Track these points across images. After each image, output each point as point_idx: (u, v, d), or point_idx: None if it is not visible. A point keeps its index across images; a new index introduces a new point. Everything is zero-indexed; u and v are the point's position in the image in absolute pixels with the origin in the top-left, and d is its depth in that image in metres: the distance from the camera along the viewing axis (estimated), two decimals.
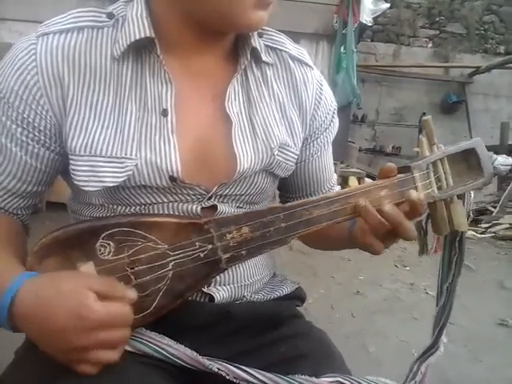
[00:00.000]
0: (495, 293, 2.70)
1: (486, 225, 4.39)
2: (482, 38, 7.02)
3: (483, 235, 4.17)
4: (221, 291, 0.68)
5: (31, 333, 0.54)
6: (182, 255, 0.58)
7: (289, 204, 0.60)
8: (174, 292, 0.58)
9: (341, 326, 2.10)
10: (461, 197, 0.67)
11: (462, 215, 0.66)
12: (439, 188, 0.65)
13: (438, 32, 7.07)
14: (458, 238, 0.69)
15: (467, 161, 0.67)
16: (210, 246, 0.58)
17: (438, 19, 7.05)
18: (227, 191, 0.67)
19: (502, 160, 4.94)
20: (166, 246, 0.57)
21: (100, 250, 0.56)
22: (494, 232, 4.24)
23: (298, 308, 0.79)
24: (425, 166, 0.64)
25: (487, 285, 2.76)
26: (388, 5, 4.82)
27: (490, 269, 3.09)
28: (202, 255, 0.58)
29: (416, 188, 0.63)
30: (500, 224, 4.35)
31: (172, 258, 0.57)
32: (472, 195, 0.69)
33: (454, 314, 0.71)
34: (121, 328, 0.52)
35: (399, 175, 0.64)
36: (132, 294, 0.54)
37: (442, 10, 7.04)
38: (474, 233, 4.11)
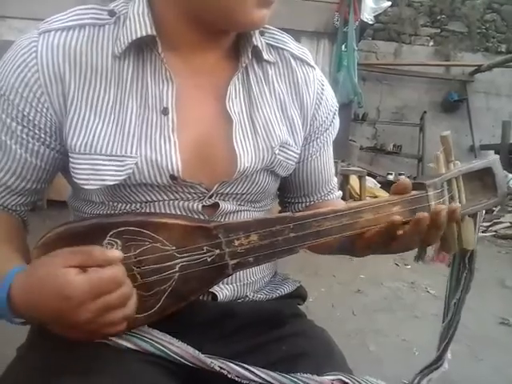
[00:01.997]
0: (497, 292, 2.69)
1: (487, 223, 4.39)
2: (483, 37, 7.00)
3: (484, 234, 4.17)
4: (224, 290, 0.68)
5: (36, 321, 0.55)
6: (188, 258, 0.57)
7: (299, 214, 0.60)
8: (179, 294, 0.58)
9: (342, 324, 2.10)
10: (472, 215, 0.66)
11: (472, 233, 0.65)
12: None
13: (439, 30, 7.06)
14: (467, 255, 0.67)
15: (482, 179, 0.66)
16: (217, 251, 0.58)
17: (439, 18, 7.03)
18: (228, 190, 0.67)
19: None
20: (174, 248, 0.57)
21: (107, 248, 0.56)
22: (495, 231, 4.24)
23: (299, 306, 0.79)
24: (440, 184, 0.63)
25: (489, 284, 2.76)
26: (389, 3, 4.80)
27: (491, 268, 3.08)
28: (208, 259, 0.58)
29: (429, 207, 0.62)
30: (501, 223, 4.35)
31: (179, 261, 0.57)
32: (483, 213, 0.68)
33: (458, 326, 0.70)
34: (114, 290, 0.50)
35: (413, 192, 0.62)
36: (114, 253, 0.52)
37: (444, 9, 7.02)
38: None
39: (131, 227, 0.56)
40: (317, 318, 0.79)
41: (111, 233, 0.56)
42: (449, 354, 0.69)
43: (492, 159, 0.66)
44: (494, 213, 4.58)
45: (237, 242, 0.58)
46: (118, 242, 0.56)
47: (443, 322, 0.71)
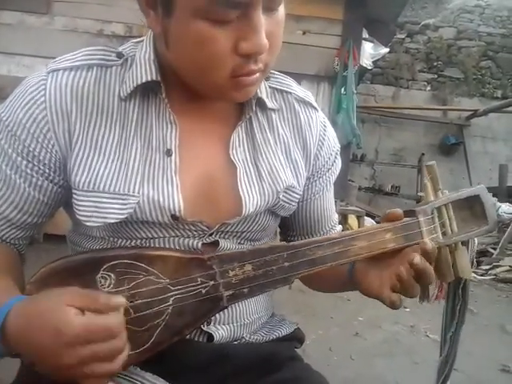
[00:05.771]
0: (497, 337, 2.64)
1: (487, 266, 4.35)
2: (479, 83, 7.19)
3: (483, 277, 4.13)
4: (220, 330, 0.67)
5: (24, 354, 0.53)
6: (183, 290, 0.57)
7: (292, 243, 0.60)
8: (173, 328, 0.57)
9: (339, 369, 2.04)
10: (465, 243, 0.67)
11: (467, 262, 0.66)
12: (444, 234, 0.65)
13: (436, 76, 7.25)
14: (461, 286, 0.68)
15: (471, 208, 0.67)
16: (211, 283, 0.57)
17: (435, 64, 7.25)
18: (229, 228, 0.67)
19: (505, 208, 4.93)
20: (168, 281, 0.56)
21: (100, 282, 0.55)
22: (495, 274, 4.19)
23: (296, 350, 0.77)
24: (430, 210, 0.64)
25: (489, 329, 2.70)
26: (387, 49, 4.96)
27: (491, 312, 3.03)
28: (203, 291, 0.57)
29: (421, 233, 0.63)
30: (500, 266, 4.31)
31: (173, 293, 0.56)
32: (476, 242, 0.69)
33: (456, 360, 0.69)
34: (107, 340, 0.49)
35: (404, 219, 0.64)
36: (118, 300, 0.51)
37: (440, 56, 7.25)
38: (474, 275, 4.07)
39: (125, 260, 0.56)
40: (314, 362, 0.77)
41: (105, 266, 0.55)
42: None
43: (479, 187, 0.67)
44: (494, 256, 4.55)
45: (231, 273, 0.57)
46: (112, 275, 0.55)
47: (440, 355, 0.69)
